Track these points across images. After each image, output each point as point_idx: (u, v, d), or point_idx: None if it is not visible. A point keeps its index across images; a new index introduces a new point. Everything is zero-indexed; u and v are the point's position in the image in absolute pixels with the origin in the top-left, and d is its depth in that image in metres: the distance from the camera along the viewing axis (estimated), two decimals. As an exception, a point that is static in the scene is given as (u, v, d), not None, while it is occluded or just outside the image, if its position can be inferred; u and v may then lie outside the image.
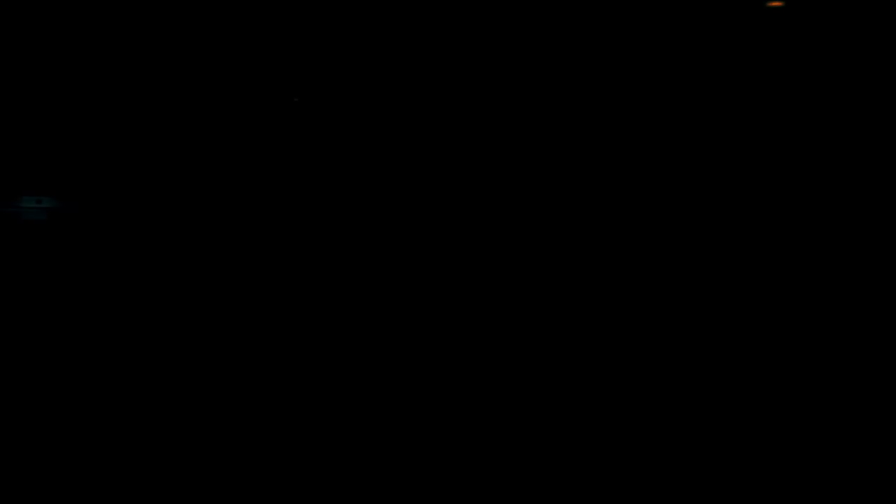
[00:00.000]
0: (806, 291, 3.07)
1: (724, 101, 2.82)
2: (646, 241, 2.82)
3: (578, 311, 3.64)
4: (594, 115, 2.77)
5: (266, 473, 2.12)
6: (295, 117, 2.32)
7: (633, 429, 2.44)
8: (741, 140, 2.85)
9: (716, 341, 3.09)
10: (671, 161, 2.82)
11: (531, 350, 3.14)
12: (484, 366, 2.88)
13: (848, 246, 2.83)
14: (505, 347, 3.20)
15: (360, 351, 2.92)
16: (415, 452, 2.22)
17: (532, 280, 4.20)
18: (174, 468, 2.15)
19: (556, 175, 2.69)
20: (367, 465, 2.16)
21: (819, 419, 2.52)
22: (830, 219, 2.85)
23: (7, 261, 2.37)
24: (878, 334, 3.02)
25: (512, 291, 4.13)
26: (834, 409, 2.55)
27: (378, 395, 2.57)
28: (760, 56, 2.75)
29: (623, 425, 2.47)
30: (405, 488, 2.00)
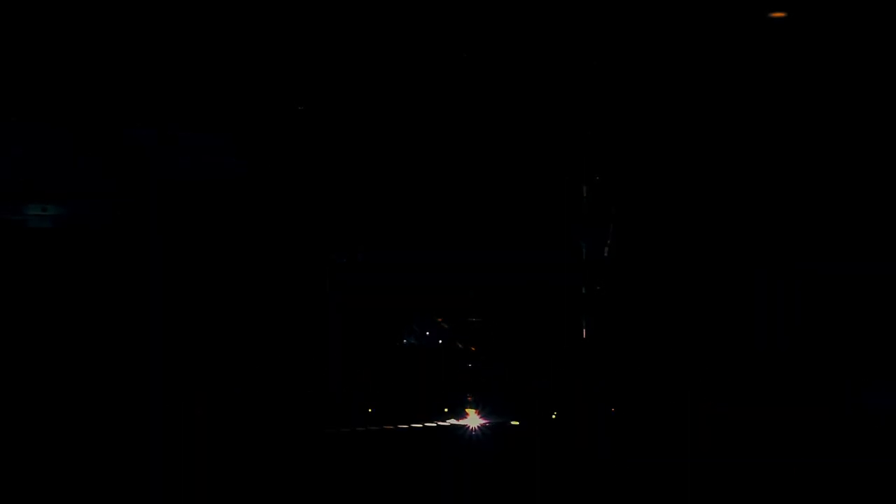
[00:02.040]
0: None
1: (721, 112, 2.83)
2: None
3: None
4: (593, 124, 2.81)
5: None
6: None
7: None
8: (738, 152, 2.86)
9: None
10: (662, 175, 2.84)
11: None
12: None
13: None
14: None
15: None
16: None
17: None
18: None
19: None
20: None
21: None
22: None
23: (11, 269, 2.40)
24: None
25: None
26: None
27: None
28: (760, 68, 2.76)
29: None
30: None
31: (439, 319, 2.79)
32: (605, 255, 2.90)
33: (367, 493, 2.32)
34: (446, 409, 2.54)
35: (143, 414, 2.35)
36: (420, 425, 2.48)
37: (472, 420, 2.52)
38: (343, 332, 2.65)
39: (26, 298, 2.41)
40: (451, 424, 2.51)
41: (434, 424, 2.50)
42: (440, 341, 2.79)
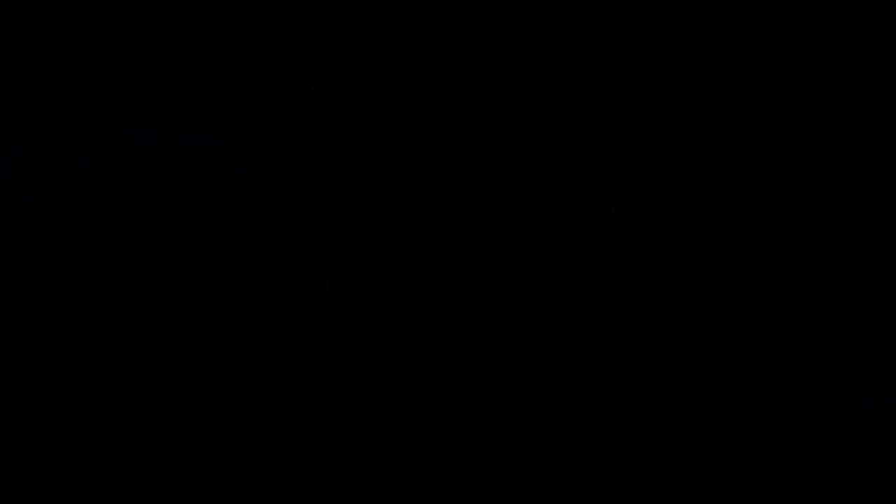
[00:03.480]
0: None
1: (720, 111, 2.83)
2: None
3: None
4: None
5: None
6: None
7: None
8: (737, 151, 2.85)
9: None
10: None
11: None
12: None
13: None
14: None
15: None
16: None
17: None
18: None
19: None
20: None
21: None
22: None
23: (10, 270, 2.41)
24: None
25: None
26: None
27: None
28: (760, 65, 2.75)
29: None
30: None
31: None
32: (605, 255, 2.91)
33: (366, 492, 2.32)
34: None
35: (143, 414, 2.35)
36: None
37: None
38: (343, 332, 2.66)
39: (25, 299, 2.42)
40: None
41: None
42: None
